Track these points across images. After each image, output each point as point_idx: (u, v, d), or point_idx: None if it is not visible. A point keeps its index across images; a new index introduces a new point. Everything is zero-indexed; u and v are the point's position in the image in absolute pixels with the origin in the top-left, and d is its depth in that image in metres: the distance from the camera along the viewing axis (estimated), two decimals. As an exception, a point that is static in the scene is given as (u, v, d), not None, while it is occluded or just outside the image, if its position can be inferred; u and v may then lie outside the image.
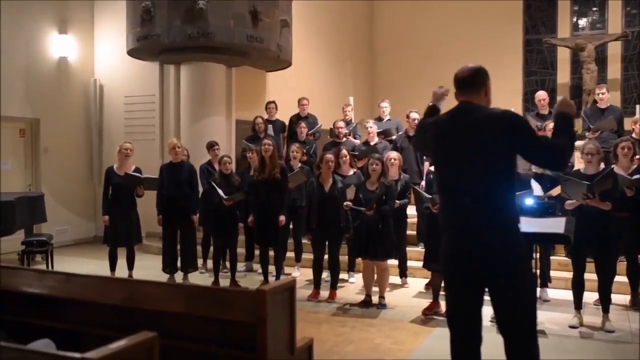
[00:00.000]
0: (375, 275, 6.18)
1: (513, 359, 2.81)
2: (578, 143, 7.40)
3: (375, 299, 6.09)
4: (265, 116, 9.04)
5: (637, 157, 5.75)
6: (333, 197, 6.30)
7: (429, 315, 5.62)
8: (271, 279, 6.87)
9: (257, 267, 7.56)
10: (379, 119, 8.84)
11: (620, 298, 5.88)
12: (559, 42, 12.94)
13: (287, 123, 9.23)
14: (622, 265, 5.81)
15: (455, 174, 2.90)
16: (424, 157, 7.00)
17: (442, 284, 4.86)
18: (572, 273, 5.41)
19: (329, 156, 6.50)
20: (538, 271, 5.50)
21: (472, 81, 2.93)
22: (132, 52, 9.48)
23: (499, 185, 2.81)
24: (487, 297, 2.90)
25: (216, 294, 2.99)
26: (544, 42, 13.07)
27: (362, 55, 14.45)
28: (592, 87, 11.39)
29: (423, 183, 6.82)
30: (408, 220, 7.05)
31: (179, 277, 7.08)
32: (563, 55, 13.26)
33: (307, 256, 7.21)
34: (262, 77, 10.80)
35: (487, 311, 3.02)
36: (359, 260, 6.46)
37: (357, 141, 8.66)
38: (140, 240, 7.44)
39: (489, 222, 2.80)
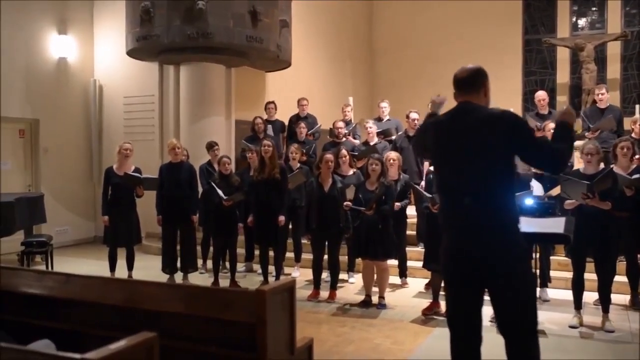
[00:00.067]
0: (375, 276, 6.18)
1: (513, 359, 2.81)
2: (578, 143, 7.42)
3: (375, 299, 6.09)
4: (265, 116, 9.04)
5: (637, 156, 5.75)
6: (332, 197, 6.30)
7: (429, 315, 5.62)
8: (271, 279, 6.87)
9: (257, 267, 7.56)
10: (379, 119, 8.84)
11: (620, 298, 5.89)
12: (558, 42, 12.95)
13: (286, 123, 9.23)
14: (621, 265, 5.81)
15: (455, 174, 2.90)
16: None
17: (442, 284, 4.87)
18: (572, 273, 5.41)
19: (329, 156, 6.50)
20: (538, 271, 5.50)
21: (472, 82, 2.93)
22: (131, 53, 9.48)
23: (499, 185, 2.81)
24: (487, 297, 2.90)
25: (216, 294, 2.99)
26: (544, 42, 13.08)
27: (362, 55, 14.45)
28: (591, 87, 11.41)
29: (423, 183, 6.82)
30: (408, 220, 7.05)
31: (178, 277, 7.08)
32: (562, 55, 13.27)
33: (307, 256, 7.21)
34: (262, 78, 10.80)
35: (487, 311, 3.02)
36: (358, 260, 6.46)
37: (357, 141, 8.66)
38: (140, 241, 7.44)
39: (488, 222, 2.80)
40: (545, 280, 6.24)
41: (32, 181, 9.73)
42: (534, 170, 5.98)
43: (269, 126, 8.90)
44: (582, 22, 13.45)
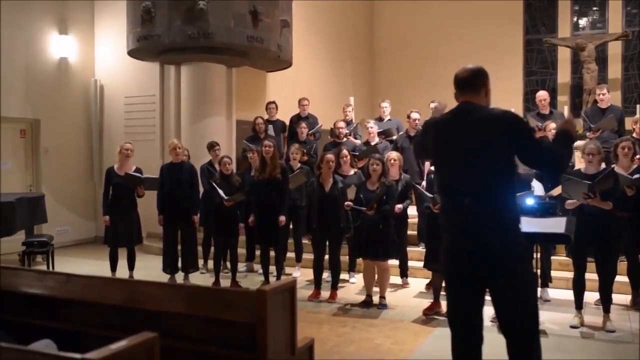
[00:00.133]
0: (376, 276, 6.18)
1: (515, 359, 2.81)
2: (579, 143, 7.41)
3: (376, 299, 6.09)
4: (266, 116, 9.04)
5: (638, 156, 5.75)
6: (333, 197, 6.30)
7: (429, 315, 5.62)
8: (272, 279, 6.87)
9: (257, 267, 7.56)
10: (380, 119, 8.84)
11: (621, 298, 5.88)
12: (559, 42, 12.94)
13: (287, 123, 9.23)
14: (622, 265, 5.81)
15: (455, 174, 2.90)
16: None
17: (443, 284, 4.87)
18: (572, 273, 5.40)
19: (330, 156, 6.50)
20: (539, 271, 5.50)
21: (472, 82, 2.93)
22: (132, 53, 9.48)
23: (499, 185, 2.81)
24: (488, 297, 2.90)
25: (217, 295, 2.99)
26: (545, 42, 13.07)
27: (362, 55, 14.45)
28: (592, 86, 11.39)
29: (424, 183, 6.82)
30: (409, 220, 7.04)
31: (179, 277, 7.08)
32: (563, 55, 13.26)
33: (308, 256, 7.21)
34: (263, 78, 10.80)
35: (488, 311, 3.01)
36: (359, 260, 6.46)
37: (358, 141, 8.66)
38: (141, 241, 7.44)
39: (489, 222, 2.80)
40: (546, 280, 6.24)
41: (33, 181, 9.73)
42: (534, 170, 5.98)
43: (270, 126, 8.90)
44: (583, 22, 13.44)
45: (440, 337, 4.66)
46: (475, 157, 2.81)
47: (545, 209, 5.21)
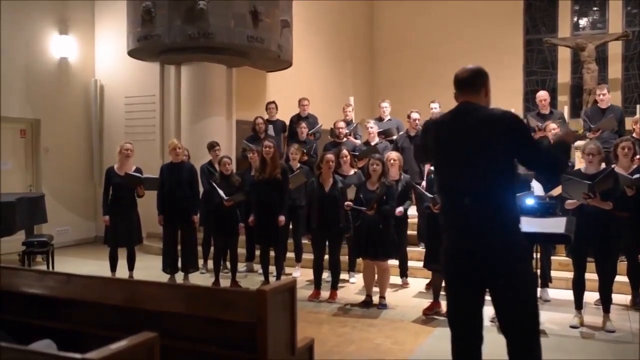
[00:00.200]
0: (376, 276, 6.18)
1: (515, 359, 2.81)
2: (579, 143, 7.42)
3: (375, 299, 6.09)
4: (266, 116, 9.04)
5: (638, 156, 5.75)
6: (333, 197, 6.30)
7: (429, 315, 5.62)
8: (272, 279, 6.87)
9: (257, 267, 7.56)
10: (380, 119, 8.84)
11: (621, 298, 5.88)
12: (559, 42, 12.94)
13: (287, 123, 9.23)
14: (622, 265, 5.81)
15: (455, 174, 2.90)
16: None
17: (443, 284, 4.87)
18: (572, 273, 5.40)
19: (330, 156, 6.50)
20: (539, 271, 5.50)
21: (472, 82, 2.94)
22: (132, 53, 9.48)
23: (499, 186, 2.81)
24: (488, 297, 2.90)
25: (217, 295, 2.99)
26: (545, 42, 13.07)
27: (362, 55, 14.45)
28: (592, 86, 11.39)
29: (424, 183, 6.82)
30: (409, 220, 7.04)
31: (179, 277, 7.08)
32: (564, 55, 13.26)
33: (308, 256, 7.21)
34: (263, 78, 10.80)
35: (487, 311, 3.01)
36: (359, 260, 6.46)
37: (358, 141, 8.66)
38: (141, 241, 7.44)
39: (489, 222, 2.80)
40: (546, 280, 6.24)
41: (33, 181, 9.74)
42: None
43: (270, 126, 8.90)
44: (583, 22, 13.44)
45: (440, 337, 4.67)
46: (475, 157, 2.82)
47: (545, 209, 5.21)
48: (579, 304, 5.32)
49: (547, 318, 5.41)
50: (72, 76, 10.28)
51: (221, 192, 6.67)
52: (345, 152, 6.98)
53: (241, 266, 7.65)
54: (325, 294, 6.41)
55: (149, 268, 7.48)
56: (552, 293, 6.26)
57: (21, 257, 7.67)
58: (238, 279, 7.07)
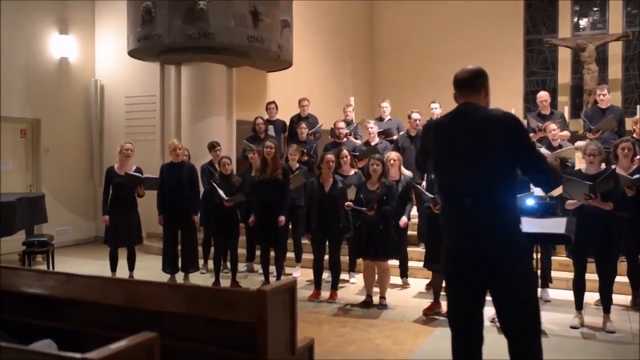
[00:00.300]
0: (376, 276, 6.18)
1: (516, 359, 2.81)
2: (579, 143, 7.42)
3: (376, 299, 6.09)
4: (266, 116, 9.04)
5: (638, 157, 5.75)
6: (333, 197, 6.30)
7: (429, 315, 5.62)
8: (272, 279, 6.87)
9: (257, 267, 7.56)
10: (380, 119, 8.84)
11: (621, 298, 5.88)
12: (559, 42, 12.94)
13: (287, 123, 9.23)
14: (622, 265, 5.81)
15: (455, 175, 2.90)
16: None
17: (443, 284, 4.87)
18: (573, 273, 5.40)
19: (330, 156, 6.50)
20: (539, 271, 5.50)
21: (472, 82, 2.93)
22: (132, 53, 9.48)
23: (499, 186, 2.81)
24: (488, 298, 2.90)
25: (217, 295, 2.99)
26: (545, 42, 13.07)
27: (363, 55, 14.45)
28: (593, 87, 11.40)
29: (424, 183, 6.82)
30: (409, 220, 7.02)
31: (179, 277, 7.08)
32: (564, 56, 13.27)
33: (308, 256, 7.21)
34: (263, 78, 10.80)
35: (487, 312, 3.01)
36: (359, 260, 6.46)
37: (358, 141, 8.66)
38: (141, 241, 7.43)
39: (489, 223, 2.80)
40: (547, 281, 6.23)
41: (33, 181, 9.74)
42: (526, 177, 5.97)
43: (270, 126, 8.90)
44: (583, 22, 13.45)
45: (441, 337, 4.67)
46: (475, 158, 2.81)
47: (546, 210, 5.21)
48: (579, 304, 5.32)
49: (548, 318, 5.41)
50: (73, 76, 10.28)
51: (221, 193, 6.67)
52: (345, 152, 6.98)
53: (241, 266, 7.65)
54: (325, 294, 6.40)
55: (149, 268, 7.48)
56: (553, 293, 6.26)
57: (21, 257, 7.67)
58: (238, 279, 7.06)
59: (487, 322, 3.08)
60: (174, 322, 2.82)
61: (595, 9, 13.29)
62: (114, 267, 6.92)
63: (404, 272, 7.03)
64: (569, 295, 5.53)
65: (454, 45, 13.02)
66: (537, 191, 5.75)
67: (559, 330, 5.16)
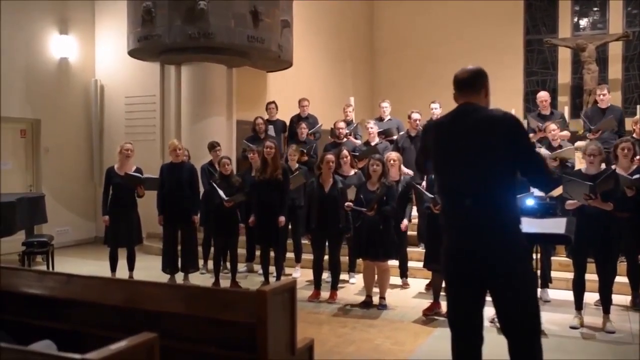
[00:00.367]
0: (376, 276, 6.18)
1: (516, 359, 2.81)
2: (579, 143, 7.42)
3: (375, 299, 6.09)
4: (266, 116, 9.04)
5: (638, 157, 5.75)
6: (333, 197, 6.30)
7: (429, 315, 5.62)
8: (272, 279, 6.87)
9: (257, 267, 7.56)
10: (380, 119, 8.84)
11: (621, 299, 5.88)
12: (559, 42, 12.94)
13: (287, 123, 9.23)
14: (622, 265, 5.81)
15: (455, 175, 2.90)
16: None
17: (443, 284, 4.87)
18: (572, 274, 5.40)
19: (330, 157, 6.50)
20: (539, 272, 5.50)
21: (472, 82, 2.93)
22: (132, 53, 9.48)
23: (499, 186, 2.81)
24: (488, 298, 2.90)
25: (217, 295, 2.99)
26: (545, 42, 13.07)
27: (363, 55, 14.45)
28: (593, 87, 11.40)
29: (424, 183, 6.82)
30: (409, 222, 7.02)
31: (179, 277, 7.08)
32: (564, 56, 13.27)
33: (308, 257, 7.21)
34: (263, 78, 10.80)
35: (487, 312, 3.01)
36: (359, 261, 6.46)
37: (358, 141, 8.66)
38: (141, 241, 7.43)
39: (489, 223, 2.80)
40: (546, 281, 6.23)
41: (33, 181, 9.74)
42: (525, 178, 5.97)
43: (270, 126, 8.90)
44: (583, 22, 13.45)
45: (440, 338, 4.67)
46: (475, 158, 2.81)
47: (546, 210, 5.21)
48: (579, 304, 5.32)
49: (547, 319, 5.40)
50: (73, 76, 10.28)
51: (221, 193, 6.67)
52: (345, 152, 6.98)
53: (241, 266, 7.65)
54: (325, 294, 6.40)
55: (149, 268, 7.48)
56: (552, 294, 6.26)
57: (21, 258, 7.66)
58: (238, 280, 7.06)
59: (486, 323, 3.08)
60: (173, 323, 2.82)
61: (595, 9, 13.30)
62: (113, 268, 6.92)
63: (403, 272, 7.03)
64: (569, 295, 5.53)
65: (454, 45, 13.02)
66: (537, 191, 5.76)
67: (558, 331, 5.16)
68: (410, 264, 7.12)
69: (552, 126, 7.00)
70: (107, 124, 10.66)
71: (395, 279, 6.87)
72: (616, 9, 12.89)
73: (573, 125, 9.38)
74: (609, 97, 7.91)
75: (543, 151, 6.41)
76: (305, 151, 8.15)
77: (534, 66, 13.73)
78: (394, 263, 6.62)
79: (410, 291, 6.81)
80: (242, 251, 7.57)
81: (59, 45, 10.00)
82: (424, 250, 6.29)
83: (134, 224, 6.93)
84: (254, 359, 2.64)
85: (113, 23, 10.31)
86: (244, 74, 10.11)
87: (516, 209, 2.92)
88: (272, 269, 6.96)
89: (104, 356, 1.78)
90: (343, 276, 6.96)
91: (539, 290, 5.49)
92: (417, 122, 7.74)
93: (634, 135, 6.79)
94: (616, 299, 5.46)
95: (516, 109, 11.65)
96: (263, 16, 9.02)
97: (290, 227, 7.38)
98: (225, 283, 6.97)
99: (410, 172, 7.00)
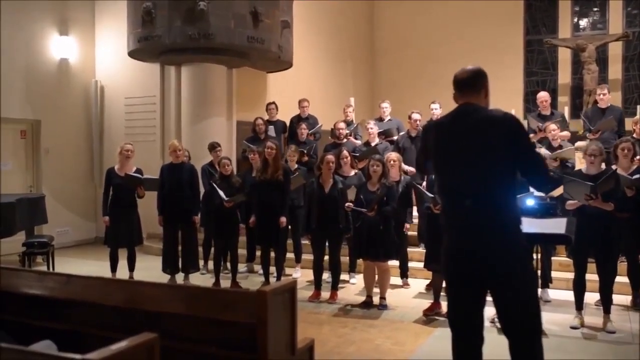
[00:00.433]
0: (376, 276, 6.17)
1: (517, 359, 2.81)
2: (580, 144, 7.42)
3: (376, 299, 6.09)
4: (266, 117, 9.04)
5: (638, 157, 5.75)
6: (333, 197, 6.30)
7: (430, 315, 5.62)
8: (272, 279, 6.87)
9: (258, 268, 7.56)
10: (380, 120, 8.84)
11: (622, 299, 5.88)
12: (559, 43, 12.94)
13: (287, 124, 9.23)
14: (622, 265, 5.81)
15: (455, 175, 2.90)
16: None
17: (443, 285, 4.87)
18: (573, 274, 5.40)
19: (330, 157, 6.50)
20: (539, 272, 5.49)
21: (472, 83, 2.93)
22: (132, 53, 9.48)
23: (500, 186, 2.81)
24: (489, 298, 2.90)
25: (217, 295, 2.99)
26: (545, 43, 13.07)
27: (363, 55, 14.45)
28: (593, 87, 11.40)
29: (424, 183, 6.82)
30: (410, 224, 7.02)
31: (180, 278, 7.08)
32: (564, 56, 13.26)
33: (308, 257, 7.21)
34: (263, 78, 10.80)
35: (487, 312, 3.01)
36: (360, 261, 6.46)
37: (358, 142, 8.66)
38: (141, 241, 7.43)
39: (489, 223, 2.80)
40: (547, 281, 6.23)
41: (33, 182, 9.74)
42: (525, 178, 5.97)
43: (271, 127, 8.90)
44: (583, 22, 13.45)
45: (441, 338, 4.67)
46: (475, 158, 2.81)
47: (546, 210, 5.21)
48: (579, 304, 5.32)
49: (548, 319, 5.39)
50: (73, 77, 10.29)
51: (221, 193, 6.67)
52: (345, 153, 6.98)
53: (241, 267, 7.65)
54: (325, 294, 6.40)
55: (149, 269, 7.48)
56: (553, 294, 6.26)
57: (21, 258, 7.66)
58: (238, 280, 7.06)
59: (486, 323, 3.08)
60: (174, 323, 2.82)
61: (595, 9, 13.29)
62: (114, 268, 6.92)
63: (404, 272, 7.03)
64: (569, 295, 5.53)
65: (454, 45, 13.02)
66: (537, 191, 5.77)
67: (559, 331, 5.16)
68: (410, 264, 7.12)
69: (552, 126, 7.00)
70: (107, 124, 10.66)
71: (396, 279, 6.87)
72: (616, 9, 12.89)
73: (573, 126, 9.37)
74: (609, 97, 7.91)
75: (543, 151, 6.41)
76: (305, 152, 8.15)
77: (534, 66, 13.73)
78: (394, 263, 6.62)
79: (410, 291, 6.80)
80: (242, 251, 7.57)
81: (59, 46, 10.00)
82: (424, 251, 6.30)
83: (134, 224, 6.93)
84: (255, 359, 2.64)
85: (113, 24, 10.31)
86: (244, 74, 10.11)
87: (516, 209, 2.92)
88: (272, 269, 6.96)
89: (104, 356, 1.78)
90: (343, 276, 6.96)
91: (539, 290, 5.50)
92: (418, 122, 7.74)
93: (634, 135, 6.79)
94: (616, 299, 5.46)
95: (516, 109, 11.65)
96: (263, 17, 9.02)
97: (290, 227, 7.38)
98: (225, 283, 6.97)
99: (412, 170, 6.99)
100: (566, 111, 10.27)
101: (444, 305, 4.86)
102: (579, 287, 5.30)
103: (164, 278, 6.88)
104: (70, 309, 3.07)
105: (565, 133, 7.69)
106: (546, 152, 6.52)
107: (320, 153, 7.66)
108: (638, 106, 10.18)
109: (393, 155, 6.61)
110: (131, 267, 6.95)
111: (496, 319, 3.22)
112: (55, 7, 9.94)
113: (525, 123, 7.02)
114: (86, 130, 10.56)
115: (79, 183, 10.41)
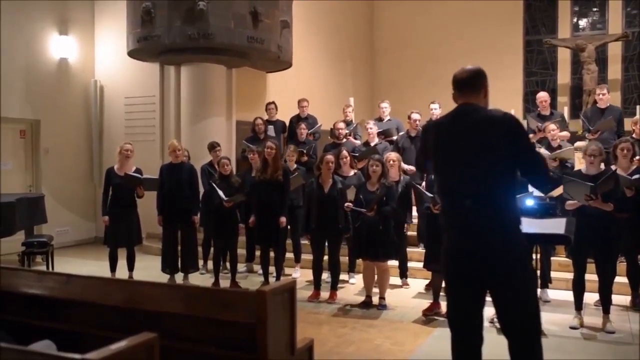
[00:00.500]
0: (376, 276, 6.18)
1: (517, 359, 2.81)
2: (579, 144, 7.42)
3: (375, 299, 6.09)
4: (266, 117, 9.04)
5: (637, 157, 5.75)
6: (332, 197, 6.30)
7: (429, 315, 5.62)
8: (271, 279, 6.87)
9: (257, 268, 7.56)
10: (379, 120, 8.84)
11: (621, 299, 5.88)
12: (559, 43, 12.95)
13: (287, 124, 9.23)
14: (622, 266, 5.81)
15: (455, 175, 2.90)
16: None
17: (443, 285, 4.87)
18: (572, 274, 5.40)
19: (329, 157, 6.50)
20: (538, 272, 5.50)
21: (472, 83, 2.93)
22: (132, 53, 9.48)
23: (499, 186, 2.81)
24: (488, 298, 2.90)
25: (216, 295, 2.99)
26: (545, 43, 13.08)
27: (363, 55, 14.45)
28: (592, 87, 11.40)
29: (424, 183, 6.82)
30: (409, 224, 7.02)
31: (179, 277, 7.08)
32: (563, 56, 13.27)
33: (307, 257, 7.21)
34: (263, 78, 10.80)
35: (487, 312, 3.01)
36: (359, 261, 6.45)
37: (358, 142, 8.66)
38: (141, 241, 7.44)
39: (489, 223, 2.80)
40: (546, 281, 6.23)
41: (33, 181, 9.74)
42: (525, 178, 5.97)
43: (270, 127, 8.90)
44: (583, 22, 13.45)
45: (440, 338, 4.67)
46: (475, 158, 2.81)
47: (545, 210, 5.21)
48: (578, 304, 5.33)
49: (547, 319, 5.39)
50: (72, 77, 10.29)
51: (221, 193, 6.67)
52: (345, 153, 6.98)
53: (241, 267, 7.65)
54: (325, 294, 6.41)
55: (148, 268, 7.48)
56: (552, 294, 6.26)
57: (21, 258, 7.66)
58: (238, 280, 7.07)
59: (486, 323, 3.08)
60: (173, 323, 2.82)
61: (595, 9, 13.30)
62: (113, 268, 6.92)
63: (403, 272, 7.03)
64: (569, 295, 5.53)
65: (454, 45, 13.02)
66: (537, 191, 5.77)
67: (558, 331, 5.17)
68: (410, 264, 7.12)
69: (552, 126, 7.00)
70: (106, 124, 10.66)
71: (395, 279, 6.88)
72: (615, 9, 12.89)
73: (572, 126, 9.38)
74: (609, 97, 7.92)
75: (543, 151, 6.42)
76: (304, 151, 8.15)
77: (534, 66, 13.73)
78: (393, 263, 6.63)
79: (410, 291, 6.81)
80: (242, 251, 7.57)
81: (59, 46, 10.00)
82: (424, 251, 6.30)
83: (134, 224, 6.93)
84: (254, 359, 2.65)
85: (113, 23, 10.31)
86: (244, 74, 10.11)
87: (516, 209, 2.92)
88: (271, 269, 6.96)
89: (104, 356, 1.78)
90: (343, 276, 6.96)
91: (538, 290, 5.50)
92: (417, 122, 7.74)
93: (634, 135, 6.79)
94: (616, 299, 5.46)
95: (516, 109, 11.66)
96: (263, 17, 9.02)
97: (289, 227, 7.38)
98: (225, 283, 6.97)
99: (412, 168, 6.98)
100: (565, 111, 10.28)
101: (444, 305, 4.86)
102: (579, 287, 5.31)
103: (164, 278, 6.88)
104: (70, 309, 3.07)
105: (565, 133, 7.70)
106: (545, 152, 6.52)
107: (320, 153, 7.67)
108: (637, 106, 10.19)
109: (392, 155, 6.61)
110: (130, 267, 6.96)
111: (495, 319, 3.23)
112: (55, 7, 9.93)
113: (524, 123, 7.02)
114: (86, 130, 10.56)
115: (79, 183, 10.41)
